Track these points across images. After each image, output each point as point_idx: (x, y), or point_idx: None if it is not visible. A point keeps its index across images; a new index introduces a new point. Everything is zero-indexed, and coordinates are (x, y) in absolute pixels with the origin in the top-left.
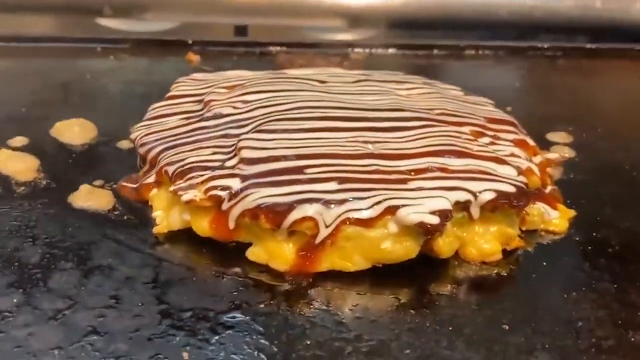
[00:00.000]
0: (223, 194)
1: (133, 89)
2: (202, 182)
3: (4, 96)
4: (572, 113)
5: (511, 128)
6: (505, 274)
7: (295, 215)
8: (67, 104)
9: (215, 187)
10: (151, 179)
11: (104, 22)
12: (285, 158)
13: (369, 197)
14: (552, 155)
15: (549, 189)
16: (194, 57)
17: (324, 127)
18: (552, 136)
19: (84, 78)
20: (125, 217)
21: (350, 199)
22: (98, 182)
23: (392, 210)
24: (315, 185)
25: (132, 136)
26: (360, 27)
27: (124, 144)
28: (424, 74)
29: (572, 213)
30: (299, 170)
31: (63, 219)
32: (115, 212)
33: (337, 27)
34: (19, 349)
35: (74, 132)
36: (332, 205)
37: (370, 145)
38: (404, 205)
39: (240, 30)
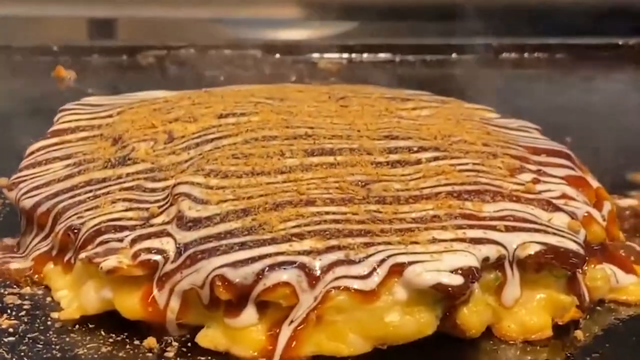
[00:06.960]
0: (158, 258)
1: None
2: (130, 245)
3: None
4: None
5: (563, 161)
6: None
7: (265, 281)
8: None
9: (147, 250)
10: (44, 248)
11: None
12: (242, 213)
13: (366, 257)
14: (631, 201)
15: (621, 245)
16: (66, 73)
17: (293, 165)
18: (637, 177)
19: None
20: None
21: (341, 259)
22: None
23: (397, 269)
24: (289, 245)
25: (11, 193)
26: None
27: None
28: (434, 90)
29: None
30: (264, 226)
31: None
32: None
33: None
34: None
35: None
36: (316, 270)
37: (361, 187)
38: (413, 262)
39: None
